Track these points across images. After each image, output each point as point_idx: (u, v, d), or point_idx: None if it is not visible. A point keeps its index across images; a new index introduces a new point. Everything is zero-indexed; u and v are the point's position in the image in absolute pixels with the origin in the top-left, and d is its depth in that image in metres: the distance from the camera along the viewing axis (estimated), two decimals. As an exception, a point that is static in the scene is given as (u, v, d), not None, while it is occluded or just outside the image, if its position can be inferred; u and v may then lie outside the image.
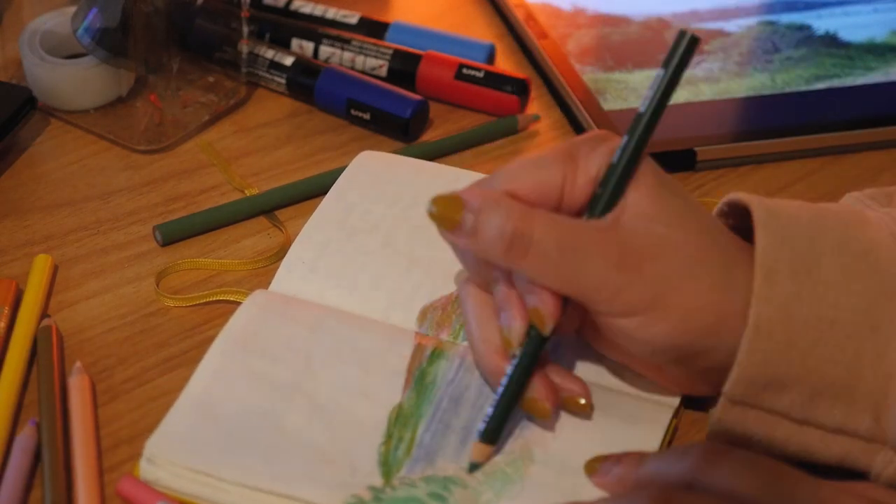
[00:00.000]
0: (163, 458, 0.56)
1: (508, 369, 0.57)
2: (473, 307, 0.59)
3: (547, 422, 0.58)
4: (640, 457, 0.56)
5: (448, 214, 0.56)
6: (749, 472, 0.52)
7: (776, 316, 0.55)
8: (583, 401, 0.58)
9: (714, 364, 0.56)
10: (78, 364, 0.62)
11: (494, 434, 0.57)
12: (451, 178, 0.71)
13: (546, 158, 0.57)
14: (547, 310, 0.56)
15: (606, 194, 0.56)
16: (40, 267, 0.67)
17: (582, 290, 0.56)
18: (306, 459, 0.56)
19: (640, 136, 0.57)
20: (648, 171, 0.57)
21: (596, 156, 0.57)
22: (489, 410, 0.57)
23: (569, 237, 0.55)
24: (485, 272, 0.58)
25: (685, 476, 0.53)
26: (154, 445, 0.56)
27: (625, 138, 0.57)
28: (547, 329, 0.56)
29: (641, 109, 0.57)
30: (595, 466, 0.56)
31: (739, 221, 0.59)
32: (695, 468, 0.52)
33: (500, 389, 0.57)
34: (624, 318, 0.55)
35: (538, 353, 0.57)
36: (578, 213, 0.57)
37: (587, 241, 0.55)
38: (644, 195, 0.56)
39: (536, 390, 0.57)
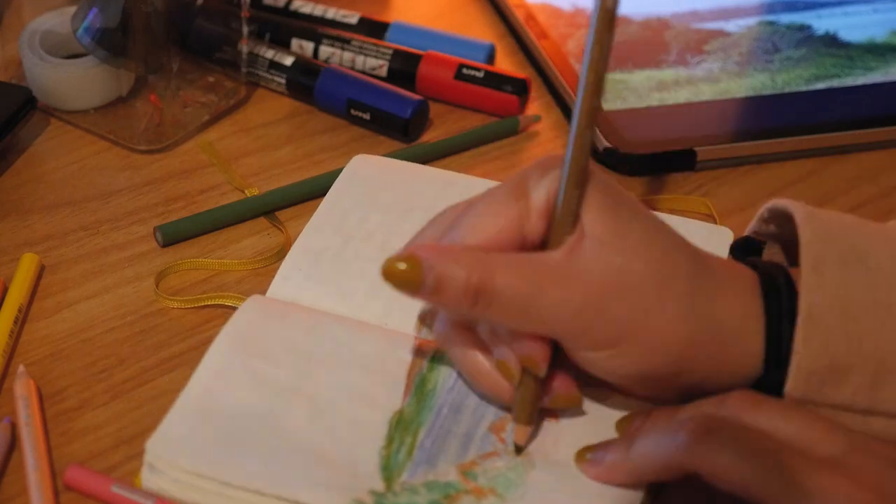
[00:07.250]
0: (163, 460, 0.55)
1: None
2: (462, 350, 0.58)
3: (550, 426, 0.58)
4: (628, 442, 0.55)
5: (406, 277, 0.54)
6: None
7: (827, 303, 0.54)
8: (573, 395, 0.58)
9: (684, 385, 0.56)
10: (21, 368, 0.62)
11: (531, 417, 0.56)
12: (446, 181, 0.71)
13: (498, 200, 0.55)
14: (536, 354, 0.55)
15: (556, 223, 0.54)
16: (25, 266, 0.67)
17: (550, 330, 0.55)
18: (307, 461, 0.55)
19: (576, 153, 0.54)
20: (599, 190, 0.54)
21: (544, 183, 0.55)
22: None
23: (529, 281, 0.53)
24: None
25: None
26: (154, 447, 0.56)
27: (564, 161, 0.54)
28: (541, 372, 0.55)
29: (571, 127, 0.54)
30: (585, 457, 0.56)
31: (780, 228, 0.60)
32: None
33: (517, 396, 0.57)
34: (591, 351, 0.55)
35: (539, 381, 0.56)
36: (543, 244, 0.55)
37: (548, 281, 0.53)
38: (597, 219, 0.54)
39: (555, 389, 0.57)
